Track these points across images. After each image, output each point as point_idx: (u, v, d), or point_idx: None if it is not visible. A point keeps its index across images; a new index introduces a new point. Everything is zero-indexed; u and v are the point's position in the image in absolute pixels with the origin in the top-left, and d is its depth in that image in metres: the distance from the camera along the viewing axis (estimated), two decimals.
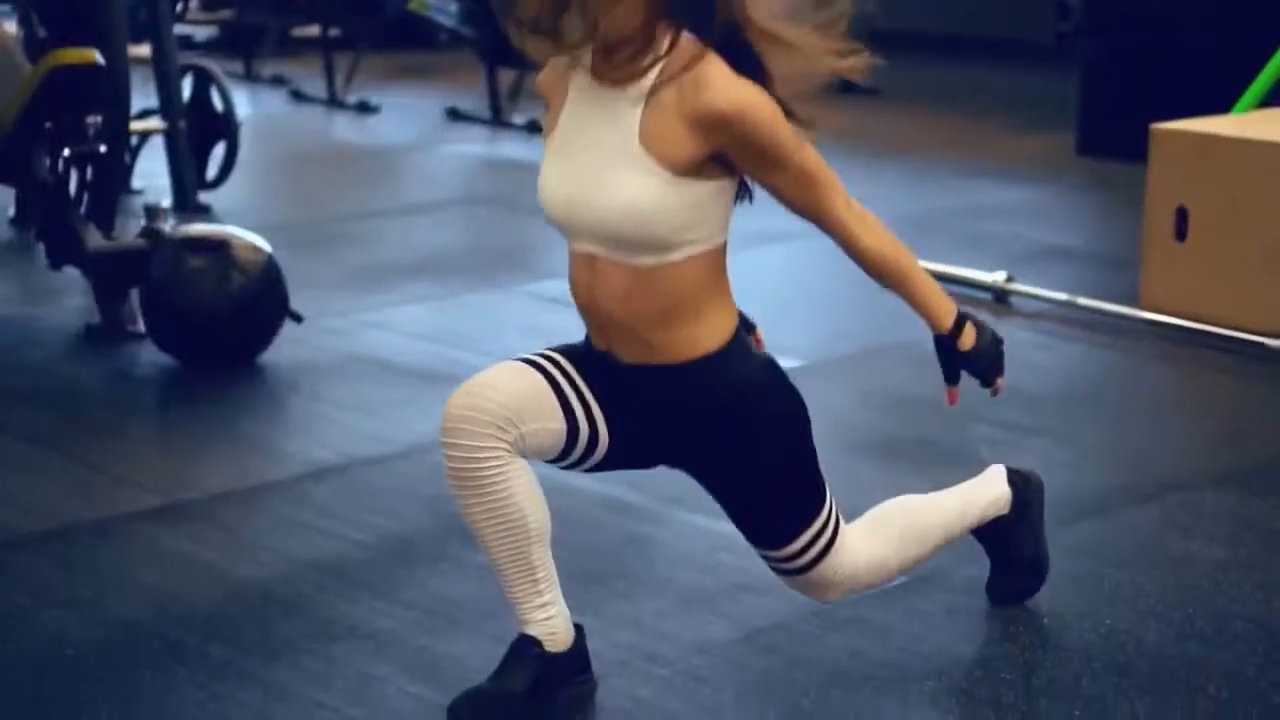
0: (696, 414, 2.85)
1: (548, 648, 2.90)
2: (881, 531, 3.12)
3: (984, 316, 3.16)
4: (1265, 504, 3.92)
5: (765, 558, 3.02)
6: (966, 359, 2.99)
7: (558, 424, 2.81)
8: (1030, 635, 3.26)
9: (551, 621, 2.91)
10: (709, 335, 2.81)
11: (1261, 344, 5.00)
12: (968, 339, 2.98)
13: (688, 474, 2.98)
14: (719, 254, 2.81)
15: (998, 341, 3.02)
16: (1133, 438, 4.44)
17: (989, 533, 3.31)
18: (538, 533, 2.85)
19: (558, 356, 2.88)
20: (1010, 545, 3.33)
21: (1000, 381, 3.03)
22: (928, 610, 3.36)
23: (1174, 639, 3.25)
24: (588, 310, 2.85)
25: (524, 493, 2.81)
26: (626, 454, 2.90)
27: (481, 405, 2.77)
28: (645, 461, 2.96)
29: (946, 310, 2.96)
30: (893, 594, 3.42)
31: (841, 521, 3.02)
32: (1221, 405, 4.76)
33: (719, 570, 3.53)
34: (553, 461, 2.89)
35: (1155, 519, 3.84)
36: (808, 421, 2.93)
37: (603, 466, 2.93)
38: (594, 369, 2.85)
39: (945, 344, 2.98)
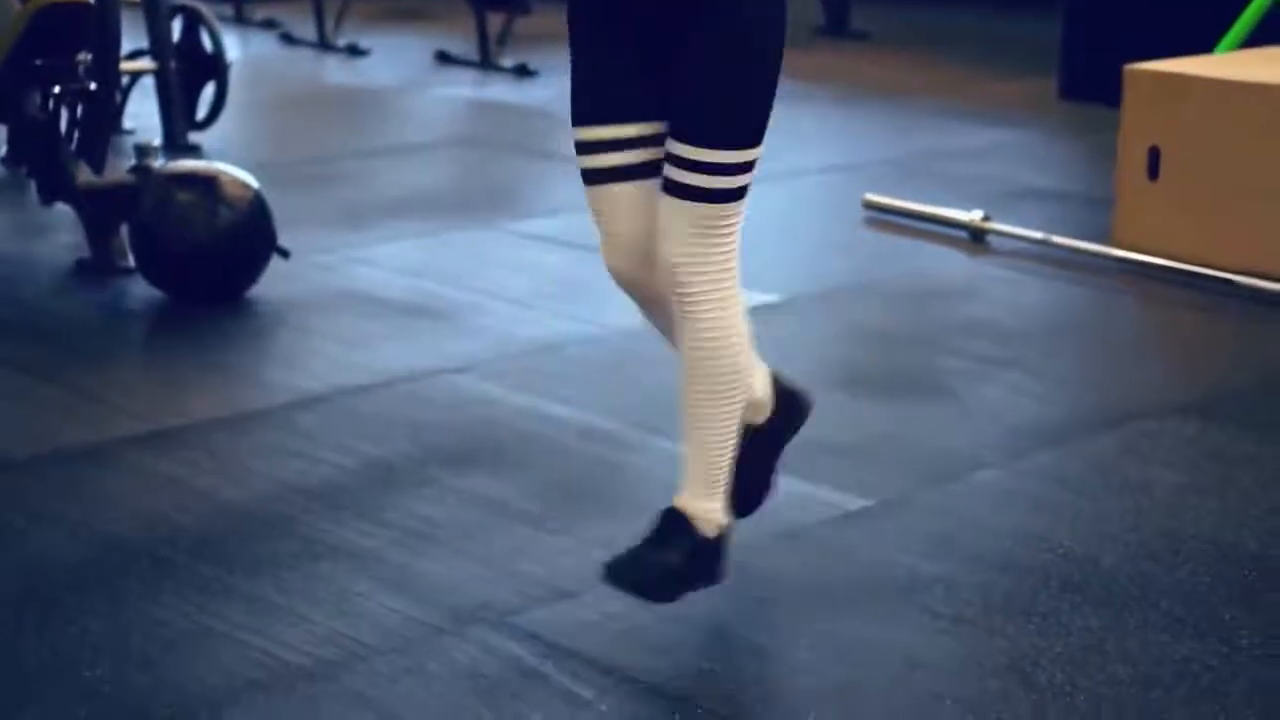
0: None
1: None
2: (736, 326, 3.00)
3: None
4: (1225, 432, 4.02)
5: (681, 165, 2.88)
6: None
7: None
8: (990, 556, 3.36)
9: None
10: None
11: (1230, 280, 5.10)
12: None
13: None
14: None
15: None
16: (1100, 369, 4.55)
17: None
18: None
19: (613, 131, 2.94)
20: (673, 543, 3.04)
21: None
22: (891, 532, 3.46)
23: (1129, 558, 3.36)
24: None
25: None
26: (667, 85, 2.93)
27: (633, 269, 3.02)
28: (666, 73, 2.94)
29: None
30: (857, 516, 3.53)
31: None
32: (1189, 339, 4.87)
33: None
34: None
35: (1117, 446, 3.94)
36: (781, 48, 2.92)
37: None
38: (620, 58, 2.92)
39: None
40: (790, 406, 3.32)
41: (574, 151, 3.00)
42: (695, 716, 2.79)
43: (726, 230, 2.90)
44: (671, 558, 2.99)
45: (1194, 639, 3.04)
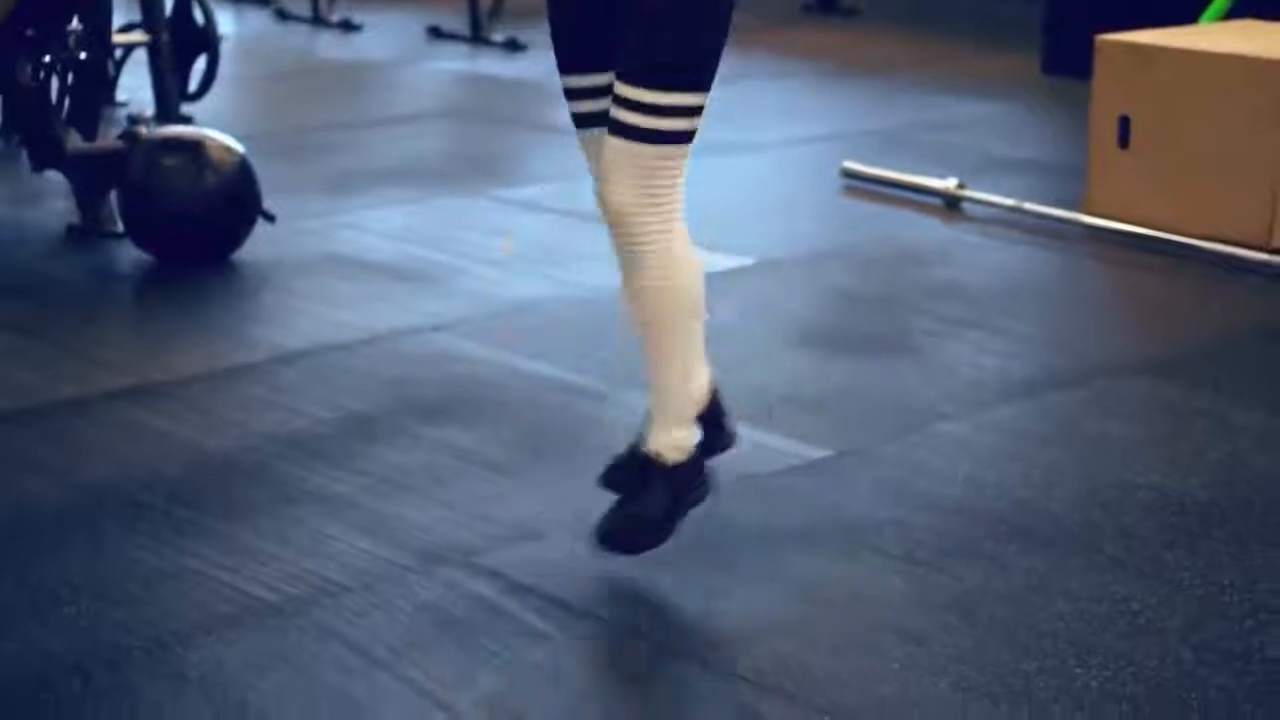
0: None
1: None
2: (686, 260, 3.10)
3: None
4: (1182, 389, 4.13)
5: (624, 105, 2.96)
6: None
7: None
8: (944, 502, 3.47)
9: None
10: None
11: (1195, 246, 5.20)
12: None
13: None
14: None
15: None
16: (1064, 330, 4.65)
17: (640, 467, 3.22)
18: None
19: (586, 80, 3.09)
20: (650, 489, 3.17)
21: None
22: (849, 479, 3.57)
23: (1079, 506, 3.46)
24: None
25: None
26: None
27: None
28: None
29: None
30: (818, 465, 3.64)
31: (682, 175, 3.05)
32: (1153, 303, 4.97)
33: None
34: None
35: (1077, 402, 4.05)
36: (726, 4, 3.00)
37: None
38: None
39: None
40: (713, 431, 3.26)
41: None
42: (651, 650, 2.90)
43: (667, 174, 2.99)
44: (653, 505, 3.13)
45: (1135, 579, 3.14)
